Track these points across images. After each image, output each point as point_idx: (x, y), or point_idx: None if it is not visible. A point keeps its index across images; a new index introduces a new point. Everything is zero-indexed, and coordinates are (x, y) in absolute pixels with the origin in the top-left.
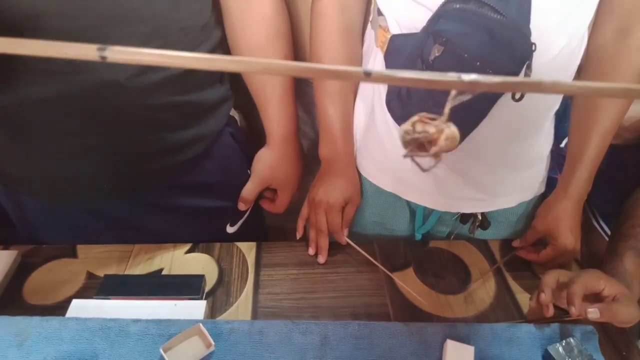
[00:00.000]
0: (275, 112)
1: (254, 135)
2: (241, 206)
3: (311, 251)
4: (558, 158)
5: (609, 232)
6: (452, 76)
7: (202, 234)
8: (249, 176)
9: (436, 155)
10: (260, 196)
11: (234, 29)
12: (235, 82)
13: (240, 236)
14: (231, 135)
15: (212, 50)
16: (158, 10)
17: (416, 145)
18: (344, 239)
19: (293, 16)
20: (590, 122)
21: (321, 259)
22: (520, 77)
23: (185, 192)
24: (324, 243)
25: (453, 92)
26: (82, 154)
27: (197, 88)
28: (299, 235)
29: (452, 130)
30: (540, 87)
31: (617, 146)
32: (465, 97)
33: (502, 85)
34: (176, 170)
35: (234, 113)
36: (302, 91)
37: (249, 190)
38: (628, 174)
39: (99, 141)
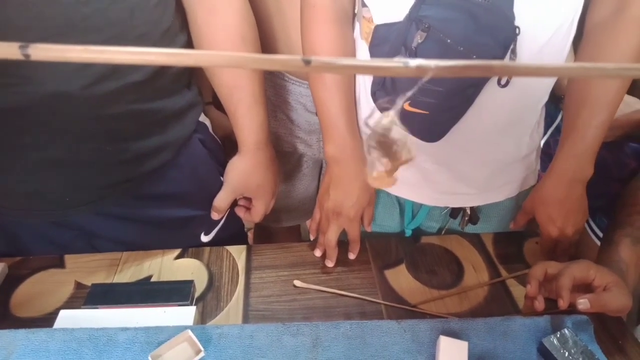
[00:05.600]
0: (245, 119)
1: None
2: (214, 215)
3: (318, 253)
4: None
5: (595, 229)
6: (397, 62)
7: (175, 244)
8: (222, 184)
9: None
10: (235, 203)
11: (200, 35)
12: None
13: (217, 244)
14: (201, 142)
15: None
16: (111, 18)
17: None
18: (369, 228)
19: (263, 22)
20: (580, 98)
21: (329, 263)
22: (476, 61)
23: (153, 203)
24: (333, 253)
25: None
26: (40, 167)
27: (161, 95)
28: (312, 236)
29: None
30: (491, 70)
31: None
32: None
33: (450, 69)
34: (142, 181)
35: (204, 119)
36: (288, 90)
37: (222, 199)
38: (608, 170)
39: (57, 154)
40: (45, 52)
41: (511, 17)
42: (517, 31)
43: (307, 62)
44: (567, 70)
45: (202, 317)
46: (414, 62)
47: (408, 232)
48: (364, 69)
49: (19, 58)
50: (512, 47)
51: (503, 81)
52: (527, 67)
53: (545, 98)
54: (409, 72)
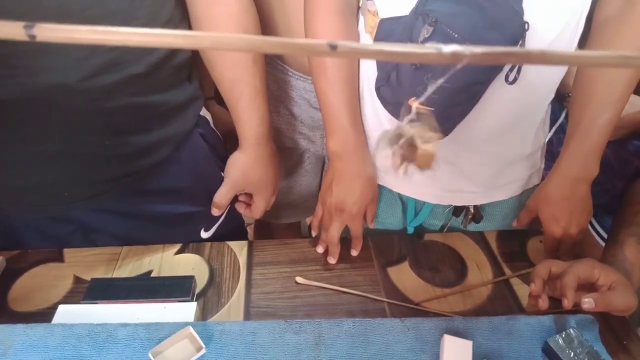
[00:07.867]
0: (245, 113)
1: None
2: (214, 212)
3: (320, 249)
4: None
5: (597, 227)
6: (430, 48)
7: (175, 240)
8: (222, 179)
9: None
10: (236, 199)
11: (200, 26)
12: None
13: (217, 240)
14: (202, 136)
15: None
16: (111, 9)
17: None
18: (372, 225)
19: (265, 13)
20: (586, 97)
21: (332, 259)
22: (513, 47)
23: (153, 198)
24: (336, 250)
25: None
26: (38, 161)
27: (161, 89)
28: (314, 233)
29: (425, 149)
30: (529, 57)
31: None
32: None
33: (486, 55)
34: (141, 176)
35: (205, 113)
36: (291, 85)
37: (222, 195)
38: (612, 168)
39: (55, 148)
40: (52, 32)
41: (520, 12)
42: (526, 26)
43: (334, 47)
44: (608, 59)
45: (203, 313)
46: (449, 49)
47: (410, 230)
48: (394, 55)
49: (23, 39)
50: (520, 42)
51: (511, 78)
52: (567, 56)
53: (552, 95)
54: (442, 59)
